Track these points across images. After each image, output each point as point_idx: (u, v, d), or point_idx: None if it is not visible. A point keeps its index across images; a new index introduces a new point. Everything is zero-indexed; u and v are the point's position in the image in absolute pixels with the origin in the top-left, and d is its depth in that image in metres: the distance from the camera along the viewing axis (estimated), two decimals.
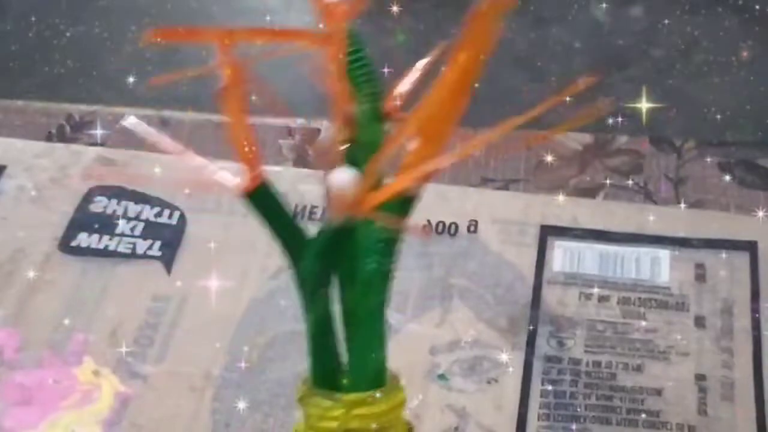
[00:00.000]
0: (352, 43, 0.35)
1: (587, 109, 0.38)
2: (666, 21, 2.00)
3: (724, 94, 1.83)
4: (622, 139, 0.74)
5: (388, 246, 0.31)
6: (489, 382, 0.60)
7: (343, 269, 0.31)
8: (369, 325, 0.31)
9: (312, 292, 0.31)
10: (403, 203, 0.31)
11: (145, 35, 0.32)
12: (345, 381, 0.32)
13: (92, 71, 1.92)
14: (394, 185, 0.30)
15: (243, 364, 0.61)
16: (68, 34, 2.07)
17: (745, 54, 1.91)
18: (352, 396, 0.31)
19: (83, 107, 0.77)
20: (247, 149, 0.30)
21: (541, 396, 0.59)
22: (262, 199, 0.30)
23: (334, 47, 0.31)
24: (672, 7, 2.02)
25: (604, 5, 2.02)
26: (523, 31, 1.98)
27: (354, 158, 0.32)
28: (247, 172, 0.30)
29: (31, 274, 0.66)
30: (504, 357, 0.61)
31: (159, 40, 0.32)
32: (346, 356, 0.32)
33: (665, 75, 1.91)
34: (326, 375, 0.32)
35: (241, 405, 0.59)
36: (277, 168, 0.72)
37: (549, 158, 0.72)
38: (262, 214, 0.30)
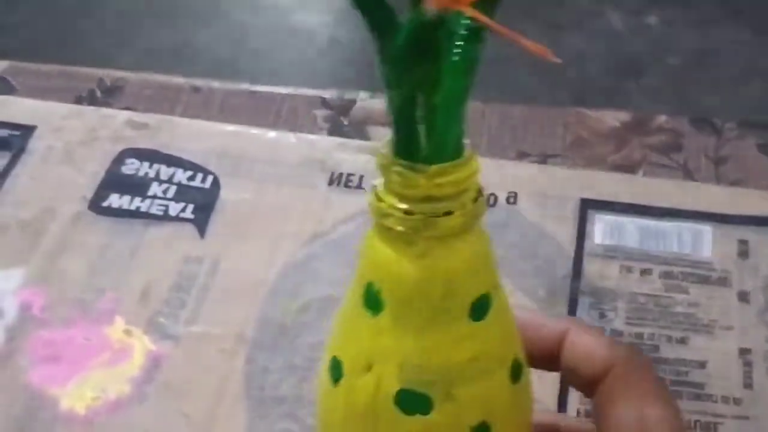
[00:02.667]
0: None
1: None
2: (681, 29, 2.00)
3: (738, 103, 1.82)
4: (661, 118, 0.73)
5: (477, 34, 0.32)
6: None
7: (430, 61, 0.32)
8: (452, 103, 0.33)
9: (399, 68, 0.32)
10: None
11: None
12: (426, 152, 0.33)
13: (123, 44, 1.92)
14: None
15: (277, 328, 0.60)
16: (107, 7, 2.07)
17: (759, 63, 1.91)
18: (435, 167, 0.33)
19: (114, 72, 0.76)
20: None
21: None
22: None
23: None
24: (687, 15, 2.02)
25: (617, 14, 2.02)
26: (538, 37, 1.98)
27: None
28: None
29: (59, 233, 0.65)
30: None
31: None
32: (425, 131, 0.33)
33: (680, 83, 1.91)
34: (408, 145, 0.33)
35: (275, 368, 0.58)
36: (312, 136, 0.71)
37: (585, 134, 0.71)
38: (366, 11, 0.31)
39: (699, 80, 1.91)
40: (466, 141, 0.34)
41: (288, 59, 1.96)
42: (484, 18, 0.30)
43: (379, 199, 0.35)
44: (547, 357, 0.42)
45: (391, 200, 0.34)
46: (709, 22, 2.01)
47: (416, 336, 0.36)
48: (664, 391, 0.39)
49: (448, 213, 0.34)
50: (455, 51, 0.32)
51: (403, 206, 0.34)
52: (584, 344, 0.41)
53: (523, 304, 0.61)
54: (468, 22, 0.32)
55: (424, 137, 0.33)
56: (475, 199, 0.35)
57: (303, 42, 1.99)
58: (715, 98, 1.84)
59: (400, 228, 0.34)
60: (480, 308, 0.36)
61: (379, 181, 0.35)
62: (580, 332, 0.41)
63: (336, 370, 0.38)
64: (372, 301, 0.36)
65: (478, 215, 0.35)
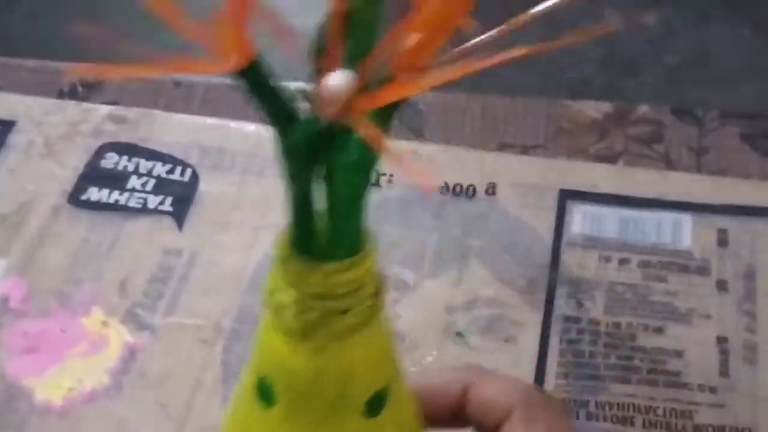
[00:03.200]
0: None
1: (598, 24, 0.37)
2: (679, 28, 1.99)
3: (737, 102, 1.82)
4: (643, 109, 0.72)
5: (370, 150, 0.31)
6: (506, 340, 0.59)
7: (326, 160, 0.31)
8: (347, 202, 0.32)
9: (298, 166, 0.30)
10: (391, 108, 0.30)
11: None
12: (323, 248, 0.32)
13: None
14: (388, 93, 0.29)
15: (255, 318, 0.60)
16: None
17: (758, 62, 1.90)
18: (331, 265, 0.32)
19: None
20: (240, 23, 0.28)
21: (560, 355, 0.58)
22: (255, 77, 0.29)
23: None
24: (685, 14, 2.02)
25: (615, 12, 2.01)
26: (535, 35, 1.97)
27: (347, 50, 0.31)
28: (239, 48, 0.29)
29: (39, 225, 0.65)
30: (521, 316, 0.60)
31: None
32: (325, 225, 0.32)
33: (678, 82, 1.91)
34: (305, 239, 0.32)
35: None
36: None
37: (568, 125, 0.71)
38: (255, 93, 0.29)
39: (697, 79, 1.90)
40: (368, 234, 0.33)
41: (290, 61, 1.96)
42: (373, 132, 0.28)
43: (274, 292, 0.33)
44: (455, 416, 0.42)
45: (287, 294, 0.33)
46: (708, 21, 2.01)
47: None
48: (563, 426, 0.40)
49: (345, 311, 0.33)
50: (351, 152, 0.31)
51: (299, 302, 0.33)
52: (486, 394, 0.41)
53: (503, 294, 0.61)
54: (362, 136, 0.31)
55: (322, 232, 0.32)
56: (375, 295, 0.34)
57: (303, 45, 1.99)
58: (714, 97, 1.84)
59: (294, 324, 0.33)
60: (376, 404, 0.35)
61: (275, 272, 0.33)
62: (483, 383, 0.42)
63: None
64: (265, 393, 0.35)
65: (378, 311, 0.34)
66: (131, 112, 0.71)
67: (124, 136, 0.70)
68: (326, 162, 0.31)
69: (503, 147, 0.70)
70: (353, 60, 0.29)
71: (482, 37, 0.30)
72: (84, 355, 0.59)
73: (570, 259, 0.62)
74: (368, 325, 0.34)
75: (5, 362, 0.58)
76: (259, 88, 0.29)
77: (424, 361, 0.58)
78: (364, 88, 0.29)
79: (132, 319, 0.60)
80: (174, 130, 0.70)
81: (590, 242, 0.63)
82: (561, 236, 0.64)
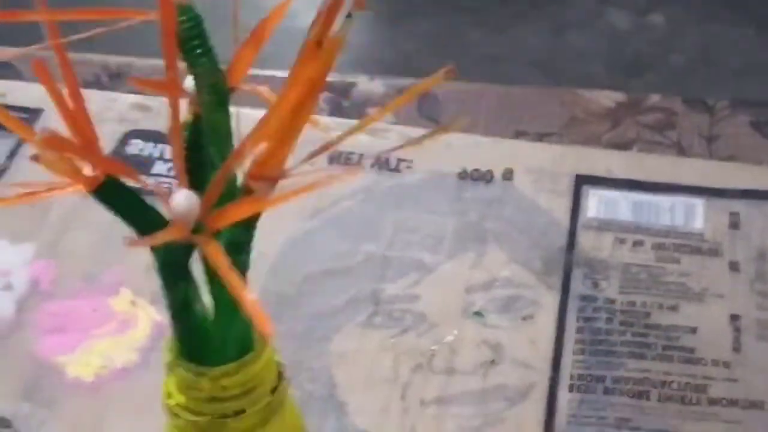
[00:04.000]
0: (188, 17, 0.35)
1: None
2: (684, 27, 2.01)
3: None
4: (655, 98, 0.74)
5: (237, 249, 0.32)
6: (524, 319, 0.60)
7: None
8: (223, 310, 0.32)
9: (170, 278, 0.31)
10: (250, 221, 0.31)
11: None
12: (211, 351, 0.32)
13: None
14: (239, 208, 0.30)
15: (278, 298, 0.62)
16: None
17: (763, 60, 1.92)
18: (218, 369, 0.32)
19: (120, 58, 0.78)
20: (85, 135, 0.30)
21: (576, 332, 0.60)
22: (111, 193, 0.30)
23: (166, 19, 0.30)
24: (690, 13, 2.03)
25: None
26: (542, 35, 1.99)
27: (199, 140, 0.32)
28: (90, 164, 0.30)
29: (66, 210, 0.66)
30: (539, 296, 0.61)
31: None
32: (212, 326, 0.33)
33: (683, 81, 1.92)
34: (190, 346, 0.32)
35: (277, 333, 0.59)
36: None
37: (581, 114, 0.73)
38: (114, 207, 0.30)
39: (703, 78, 1.92)
40: (258, 334, 0.33)
41: (293, 61, 1.97)
42: (214, 254, 0.29)
43: (170, 395, 0.34)
44: None
45: (179, 399, 0.33)
46: (713, 20, 2.03)
47: None
48: None
49: (240, 412, 0.33)
50: (221, 236, 0.31)
51: (190, 407, 0.33)
52: None
53: (520, 275, 0.62)
54: (231, 237, 0.31)
55: (209, 336, 0.32)
56: (274, 390, 0.34)
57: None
58: (721, 96, 1.85)
59: (188, 428, 0.33)
60: None
61: (168, 378, 0.34)
62: None
63: None
64: None
65: (278, 405, 0.34)
66: (155, 101, 0.73)
67: (148, 124, 0.71)
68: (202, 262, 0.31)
69: (519, 135, 0.72)
70: (204, 141, 0.30)
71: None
72: (113, 334, 0.60)
73: (586, 241, 0.64)
74: (268, 422, 0.34)
75: (36, 342, 0.60)
76: (117, 203, 0.30)
77: (445, 339, 0.60)
78: (216, 203, 0.29)
79: (160, 300, 0.61)
80: None
81: (605, 225, 0.65)
82: (577, 220, 0.65)
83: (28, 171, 0.68)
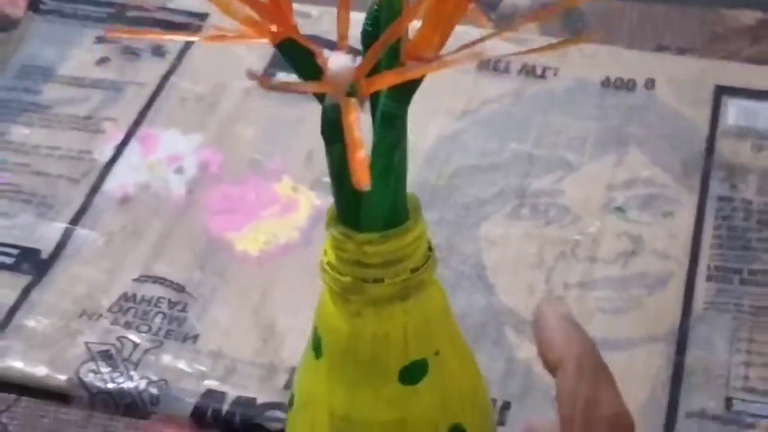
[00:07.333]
0: None
1: None
2: None
3: None
4: None
5: (392, 120, 0.33)
6: (664, 215, 0.63)
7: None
8: (382, 168, 0.33)
9: (329, 137, 0.33)
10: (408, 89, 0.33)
11: None
12: (361, 218, 0.34)
13: None
14: (388, 76, 0.31)
15: (431, 188, 0.65)
16: None
17: None
18: (362, 235, 0.34)
19: None
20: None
21: (714, 229, 0.62)
22: (292, 49, 0.33)
23: None
24: None
25: None
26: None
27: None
28: (279, 22, 0.32)
29: (232, 104, 0.71)
30: (678, 195, 0.64)
31: None
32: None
33: None
34: (346, 209, 0.34)
35: (430, 221, 0.63)
36: (463, 27, 0.75)
37: (722, 31, 0.75)
38: (292, 62, 0.33)
39: None
40: (415, 212, 0.34)
41: None
42: (349, 112, 0.29)
43: (324, 252, 0.36)
44: None
45: (330, 257, 0.35)
46: None
47: (346, 388, 0.37)
48: None
49: (378, 280, 0.35)
50: (374, 133, 0.33)
51: (337, 265, 0.35)
52: None
53: (660, 177, 0.65)
54: (384, 108, 0.32)
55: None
56: (415, 270, 0.35)
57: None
58: None
59: (333, 285, 0.36)
60: (412, 373, 0.37)
61: (329, 236, 0.36)
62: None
63: (292, 398, 0.41)
64: (316, 345, 0.38)
65: (416, 285, 0.36)
66: (313, 9, 0.77)
67: (306, 31, 0.76)
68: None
69: (660, 48, 0.74)
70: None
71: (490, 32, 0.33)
72: (277, 216, 0.65)
73: (724, 147, 0.67)
74: (406, 298, 0.36)
75: (208, 219, 0.65)
76: (295, 58, 0.33)
77: (587, 230, 0.63)
78: (374, 69, 0.31)
79: (319, 187, 0.66)
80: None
81: (744, 132, 0.67)
82: (716, 127, 0.68)
83: (197, 66, 0.73)
